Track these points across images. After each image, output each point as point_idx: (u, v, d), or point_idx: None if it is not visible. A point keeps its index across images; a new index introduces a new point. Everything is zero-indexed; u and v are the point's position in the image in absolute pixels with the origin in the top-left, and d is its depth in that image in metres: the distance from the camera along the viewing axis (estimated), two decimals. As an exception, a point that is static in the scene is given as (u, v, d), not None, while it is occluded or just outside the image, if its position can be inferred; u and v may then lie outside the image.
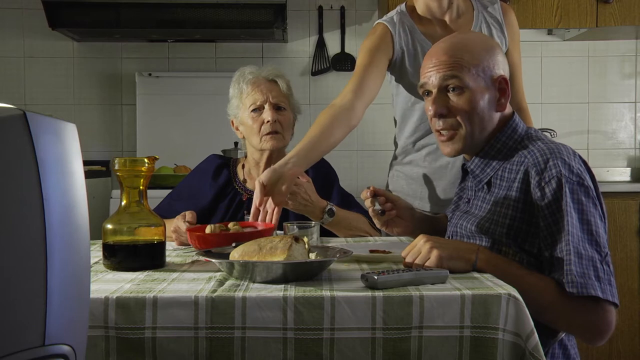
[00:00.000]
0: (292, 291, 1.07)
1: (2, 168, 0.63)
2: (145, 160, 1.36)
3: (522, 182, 1.37)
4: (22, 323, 0.65)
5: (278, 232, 1.65)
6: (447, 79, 1.43)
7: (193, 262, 1.41)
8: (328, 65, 3.50)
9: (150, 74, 3.43)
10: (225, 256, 1.26)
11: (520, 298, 1.07)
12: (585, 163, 1.39)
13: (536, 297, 1.22)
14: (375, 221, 1.62)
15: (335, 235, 1.90)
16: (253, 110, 1.97)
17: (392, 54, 1.91)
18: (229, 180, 2.04)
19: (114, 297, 1.05)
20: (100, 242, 1.39)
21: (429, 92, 1.48)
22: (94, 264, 1.38)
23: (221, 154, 2.67)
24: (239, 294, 1.06)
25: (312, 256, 1.26)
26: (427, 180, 1.99)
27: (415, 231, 1.63)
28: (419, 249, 1.29)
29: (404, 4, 1.99)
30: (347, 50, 3.49)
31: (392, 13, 1.96)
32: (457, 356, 1.05)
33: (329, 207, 1.82)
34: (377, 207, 1.56)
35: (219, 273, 1.25)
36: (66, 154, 0.71)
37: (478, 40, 1.50)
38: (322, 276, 1.22)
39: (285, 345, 1.04)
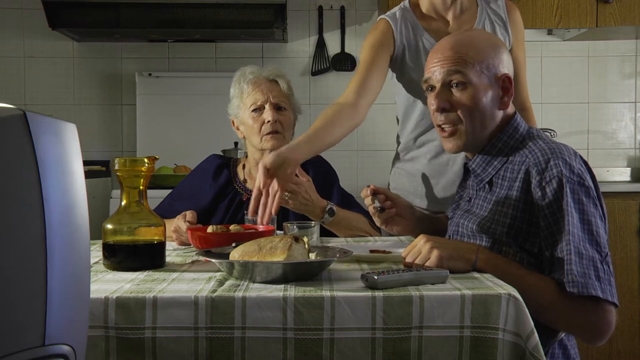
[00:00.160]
0: (292, 291, 1.07)
1: (2, 168, 0.63)
2: (145, 160, 1.36)
3: (523, 182, 1.37)
4: (22, 323, 0.65)
5: (278, 232, 1.65)
6: (451, 74, 1.44)
7: (193, 262, 1.41)
8: (328, 65, 3.49)
9: (150, 74, 3.43)
10: (225, 256, 1.26)
11: (520, 298, 1.07)
12: (586, 163, 1.39)
13: (536, 297, 1.22)
14: (375, 219, 1.62)
15: (335, 235, 1.90)
16: (254, 110, 1.97)
17: (393, 50, 1.91)
18: (229, 180, 2.04)
19: (114, 297, 1.05)
20: (100, 242, 1.39)
21: (432, 87, 1.48)
22: (94, 264, 1.38)
23: (221, 154, 2.67)
24: (239, 294, 1.06)
25: (312, 256, 1.26)
26: (429, 177, 1.99)
27: (415, 230, 1.63)
28: (419, 249, 1.29)
29: (407, 0, 1.99)
30: (347, 50, 3.49)
31: (395, 9, 1.98)
32: (457, 356, 1.05)
33: (329, 206, 1.83)
34: (377, 204, 1.57)
35: (219, 273, 1.25)
36: (66, 154, 0.71)
37: (484, 38, 1.50)
38: (322, 276, 1.22)
39: (285, 345, 1.04)
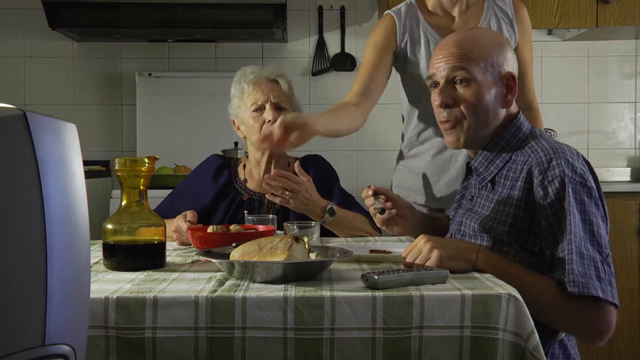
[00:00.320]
0: (292, 291, 1.07)
1: (2, 168, 0.63)
2: (146, 160, 1.36)
3: (525, 181, 1.37)
4: (22, 323, 0.65)
5: (278, 232, 1.65)
6: (455, 70, 1.44)
7: (193, 262, 1.41)
8: (328, 65, 3.49)
9: (150, 74, 3.43)
10: (226, 256, 1.26)
11: (521, 298, 1.07)
12: (588, 164, 1.39)
13: (536, 297, 1.22)
14: (375, 220, 1.62)
15: (335, 235, 1.90)
16: (254, 110, 1.97)
17: (396, 46, 1.93)
18: (230, 180, 2.04)
19: (114, 297, 1.05)
20: (100, 242, 1.39)
21: (436, 84, 1.48)
22: (94, 264, 1.38)
23: (221, 153, 2.66)
24: (239, 294, 1.06)
25: (312, 256, 1.26)
26: (432, 174, 2.00)
27: (415, 230, 1.63)
28: (419, 249, 1.29)
29: None
30: (347, 50, 3.49)
31: (402, 5, 2.00)
32: (457, 356, 1.05)
33: (329, 206, 1.83)
34: (377, 205, 1.57)
35: (219, 273, 1.25)
36: (66, 154, 0.71)
37: (489, 36, 1.51)
38: (322, 276, 1.22)
39: (285, 345, 1.04)
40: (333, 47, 3.50)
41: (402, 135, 2.13)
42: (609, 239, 1.33)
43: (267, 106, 1.96)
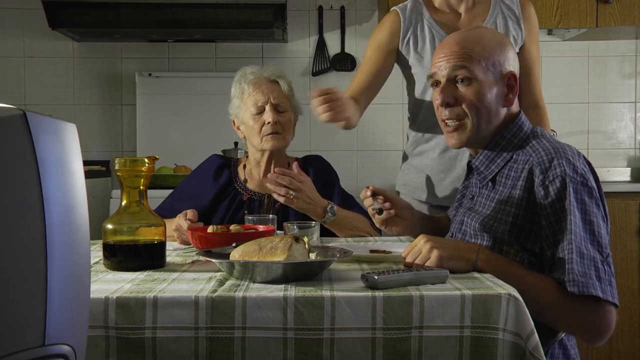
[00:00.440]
0: (292, 291, 1.07)
1: (2, 168, 0.63)
2: (146, 160, 1.36)
3: (526, 181, 1.37)
4: (22, 323, 0.65)
5: (278, 232, 1.65)
6: (456, 69, 1.44)
7: (193, 262, 1.41)
8: (328, 65, 3.49)
9: (150, 74, 3.43)
10: (226, 256, 1.26)
11: (521, 298, 1.07)
12: (589, 164, 1.39)
13: (536, 297, 1.22)
14: (374, 220, 1.62)
15: (335, 235, 1.90)
16: (254, 111, 1.97)
17: (398, 45, 1.94)
18: (230, 180, 2.04)
19: (114, 297, 1.05)
20: (100, 242, 1.39)
21: (438, 83, 1.49)
22: (94, 264, 1.38)
23: (221, 154, 2.66)
24: (239, 294, 1.06)
25: (312, 256, 1.26)
26: (438, 171, 2.00)
27: (414, 231, 1.63)
28: (419, 249, 1.29)
29: None
30: (347, 50, 3.49)
31: (407, 1, 2.01)
32: (457, 356, 1.05)
33: (330, 206, 1.83)
34: (376, 205, 1.57)
35: (219, 273, 1.25)
36: (66, 154, 0.71)
37: (490, 35, 1.51)
38: (322, 276, 1.22)
39: (285, 345, 1.04)
40: (333, 47, 3.50)
41: (407, 136, 2.13)
42: (609, 239, 1.33)
43: (267, 107, 1.96)
